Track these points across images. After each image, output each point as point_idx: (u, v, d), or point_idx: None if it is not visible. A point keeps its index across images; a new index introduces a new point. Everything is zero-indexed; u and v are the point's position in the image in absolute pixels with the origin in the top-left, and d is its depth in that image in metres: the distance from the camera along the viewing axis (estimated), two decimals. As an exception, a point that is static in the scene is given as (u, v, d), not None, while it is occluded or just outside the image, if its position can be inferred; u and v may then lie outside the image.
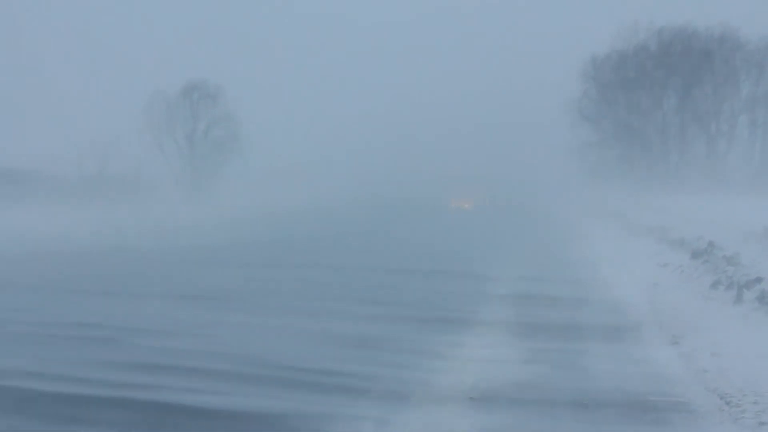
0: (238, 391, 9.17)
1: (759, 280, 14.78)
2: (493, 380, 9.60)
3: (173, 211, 55.67)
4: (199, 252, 27.47)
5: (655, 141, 67.20)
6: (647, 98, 67.67)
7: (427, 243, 32.22)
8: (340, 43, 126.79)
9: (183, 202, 67.62)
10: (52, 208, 53.03)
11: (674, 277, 18.58)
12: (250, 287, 18.11)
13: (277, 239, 34.14)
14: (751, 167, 64.02)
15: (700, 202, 37.22)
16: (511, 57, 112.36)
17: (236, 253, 27.10)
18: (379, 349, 11.43)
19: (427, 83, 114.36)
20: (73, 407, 8.56)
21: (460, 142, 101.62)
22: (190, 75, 77.90)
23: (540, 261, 24.04)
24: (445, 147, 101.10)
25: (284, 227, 42.20)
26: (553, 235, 34.74)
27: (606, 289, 17.37)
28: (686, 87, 66.23)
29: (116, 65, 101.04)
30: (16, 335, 12.58)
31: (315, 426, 7.90)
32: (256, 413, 8.32)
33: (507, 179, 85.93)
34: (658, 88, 66.98)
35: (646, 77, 66.77)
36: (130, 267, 22.99)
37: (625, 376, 9.93)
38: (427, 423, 8.00)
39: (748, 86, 66.39)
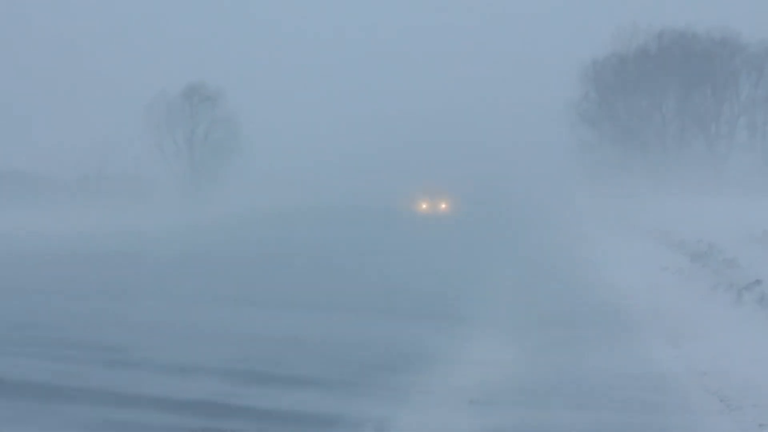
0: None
1: (758, 282, 14.81)
2: (495, 382, 9.67)
3: (166, 213, 55.34)
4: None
5: (655, 143, 67.10)
6: (647, 100, 67.62)
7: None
8: (339, 46, 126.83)
9: (181, 204, 67.58)
10: (53, 209, 53.03)
11: (674, 279, 18.60)
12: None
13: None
14: (750, 169, 63.96)
15: (699, 205, 37.18)
16: (512, 59, 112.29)
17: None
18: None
19: (426, 86, 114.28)
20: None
21: (461, 145, 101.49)
22: (190, 77, 78.06)
23: (535, 262, 24.00)
24: (444, 149, 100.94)
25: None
26: (551, 237, 34.63)
27: (607, 291, 17.39)
28: (686, 89, 66.20)
29: (117, 67, 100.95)
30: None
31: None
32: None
33: (505, 181, 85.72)
34: (658, 90, 66.91)
35: (646, 80, 66.69)
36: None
37: (626, 377, 9.98)
38: None
39: (747, 89, 66.33)
